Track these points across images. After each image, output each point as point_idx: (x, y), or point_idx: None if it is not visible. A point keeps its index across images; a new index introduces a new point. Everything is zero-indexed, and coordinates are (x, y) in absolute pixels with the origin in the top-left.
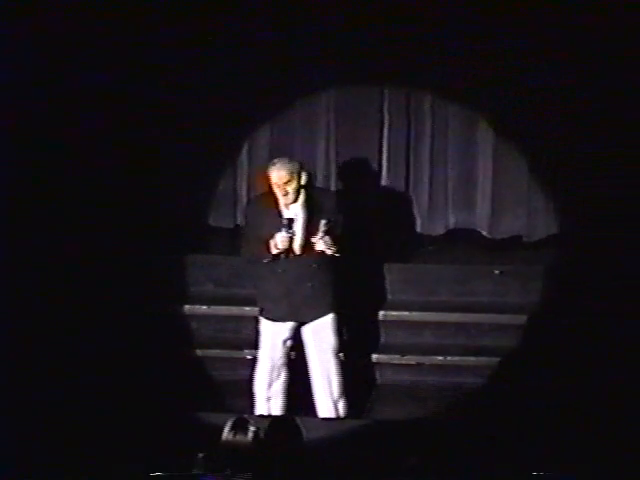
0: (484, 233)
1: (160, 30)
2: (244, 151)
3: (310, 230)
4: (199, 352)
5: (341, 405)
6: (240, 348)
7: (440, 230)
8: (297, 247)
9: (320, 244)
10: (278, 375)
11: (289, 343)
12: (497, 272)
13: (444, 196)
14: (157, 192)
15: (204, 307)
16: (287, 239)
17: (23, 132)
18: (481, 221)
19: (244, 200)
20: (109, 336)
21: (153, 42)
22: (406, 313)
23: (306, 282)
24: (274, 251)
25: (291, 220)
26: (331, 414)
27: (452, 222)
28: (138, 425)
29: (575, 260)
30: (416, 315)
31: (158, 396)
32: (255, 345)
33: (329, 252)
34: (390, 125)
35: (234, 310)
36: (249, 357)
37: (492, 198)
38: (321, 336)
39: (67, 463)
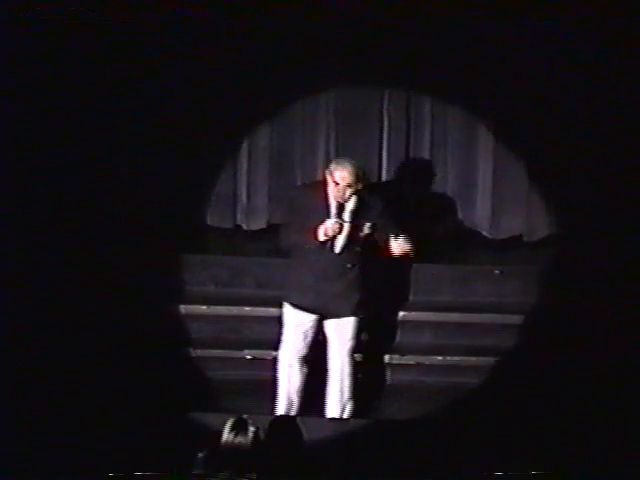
0: (484, 233)
1: (161, 30)
2: (244, 151)
3: (354, 233)
4: (199, 352)
5: (349, 407)
6: (240, 348)
7: (440, 230)
8: (338, 247)
9: (396, 246)
10: (298, 371)
11: (310, 336)
12: (497, 272)
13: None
14: (157, 192)
15: (204, 307)
16: (338, 226)
17: (22, 129)
18: (481, 221)
19: (244, 200)
20: (109, 336)
21: (154, 41)
22: (406, 313)
23: (336, 281)
24: (322, 238)
25: (343, 207)
26: (338, 414)
27: (452, 222)
28: (138, 425)
29: (575, 260)
30: (416, 315)
31: (158, 396)
32: (255, 345)
33: (402, 252)
34: (390, 125)
35: (234, 310)
36: (249, 357)
37: (492, 198)
38: (342, 334)
39: (67, 462)
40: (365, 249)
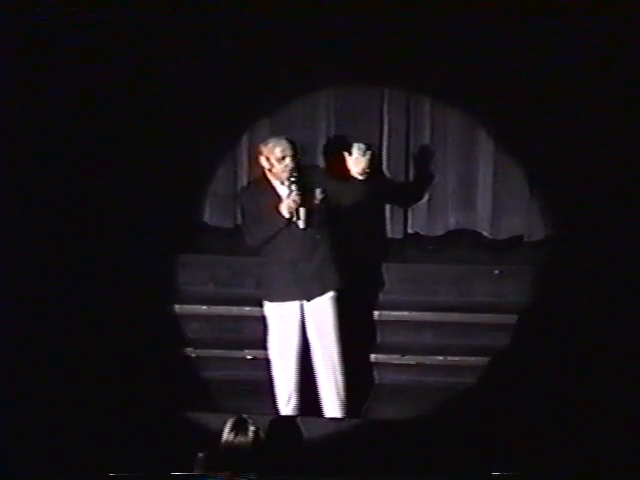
0: (484, 233)
1: (160, 28)
2: (244, 151)
3: (309, 203)
4: (199, 352)
5: (345, 401)
6: (240, 348)
7: (440, 231)
8: (302, 221)
9: (355, 165)
10: (291, 369)
11: (298, 327)
12: (497, 272)
13: (444, 196)
14: (157, 191)
15: (204, 307)
16: (297, 197)
17: (22, 129)
18: (481, 221)
19: None
20: (108, 336)
21: (153, 39)
22: (406, 313)
23: (311, 257)
24: (287, 214)
25: (298, 177)
26: (336, 410)
27: (452, 222)
28: (138, 425)
29: (575, 260)
30: (416, 315)
31: (158, 396)
32: (255, 345)
33: (362, 176)
34: (390, 125)
35: (234, 310)
36: (249, 357)
37: (492, 198)
38: (323, 318)
39: (66, 462)
40: (326, 216)
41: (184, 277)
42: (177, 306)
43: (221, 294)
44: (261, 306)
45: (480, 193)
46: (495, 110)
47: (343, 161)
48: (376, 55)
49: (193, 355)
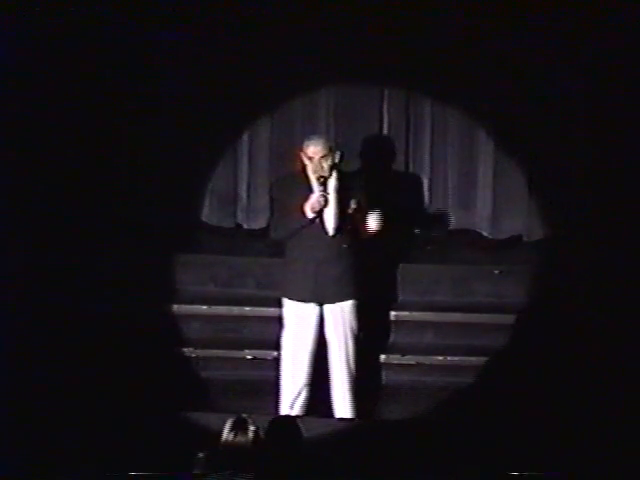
0: (484, 233)
1: (160, 26)
2: (244, 151)
3: (342, 211)
4: (199, 352)
5: (353, 406)
6: (240, 348)
7: (440, 231)
8: (331, 228)
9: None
10: (302, 368)
11: (314, 328)
12: (497, 272)
13: (444, 196)
14: (157, 191)
15: (204, 307)
16: (322, 198)
17: (22, 128)
18: (481, 221)
19: (244, 200)
20: (108, 336)
21: (153, 37)
22: (406, 313)
23: (334, 264)
24: (310, 214)
25: (325, 183)
26: (347, 411)
27: (452, 222)
28: (138, 425)
29: (574, 260)
30: (416, 315)
31: (158, 396)
32: (255, 345)
33: (376, 228)
34: (390, 125)
35: (234, 310)
36: (249, 357)
37: (492, 198)
38: (340, 319)
39: (66, 462)
40: (356, 227)
41: (184, 277)
42: (177, 306)
43: (221, 294)
44: (261, 306)
45: (480, 193)
46: (495, 110)
47: None
48: (376, 55)
49: (193, 355)
